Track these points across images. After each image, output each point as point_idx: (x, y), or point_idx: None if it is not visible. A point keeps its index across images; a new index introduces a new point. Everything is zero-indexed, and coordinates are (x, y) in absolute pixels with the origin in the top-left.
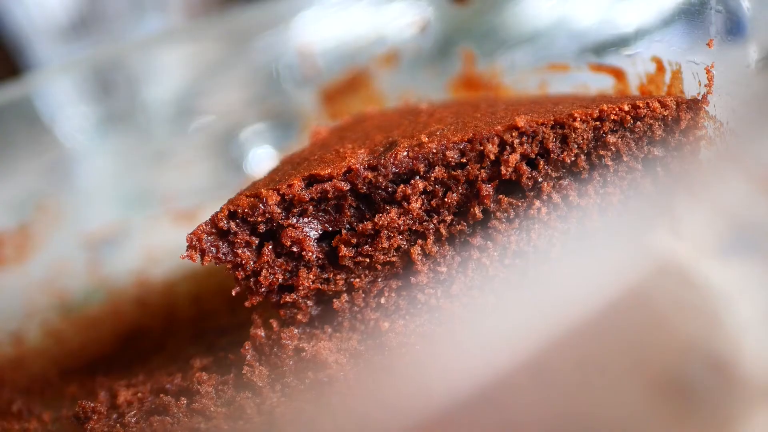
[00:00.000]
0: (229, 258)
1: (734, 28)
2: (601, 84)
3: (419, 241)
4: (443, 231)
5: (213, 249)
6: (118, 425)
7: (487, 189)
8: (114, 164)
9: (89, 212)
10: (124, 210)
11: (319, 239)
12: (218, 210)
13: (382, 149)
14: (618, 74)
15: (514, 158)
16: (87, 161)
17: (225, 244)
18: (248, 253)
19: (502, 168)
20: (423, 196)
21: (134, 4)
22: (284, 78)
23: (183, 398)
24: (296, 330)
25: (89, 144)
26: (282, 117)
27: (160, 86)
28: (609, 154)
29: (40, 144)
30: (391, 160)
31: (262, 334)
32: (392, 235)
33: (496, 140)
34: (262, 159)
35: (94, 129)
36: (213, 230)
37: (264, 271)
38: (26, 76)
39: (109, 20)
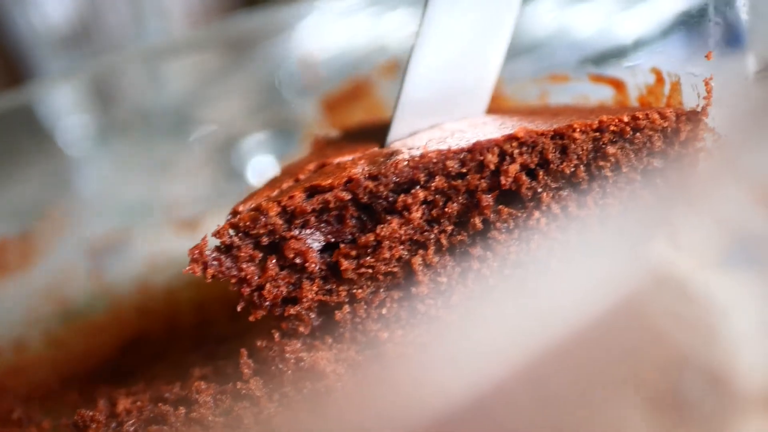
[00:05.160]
0: (233, 272)
1: (733, 40)
2: (601, 95)
3: (420, 252)
4: (444, 241)
5: (216, 263)
6: None
7: (487, 199)
8: (115, 173)
9: (91, 220)
10: (125, 219)
11: (322, 251)
12: (220, 225)
13: (382, 159)
14: (618, 85)
15: (513, 168)
16: (88, 170)
17: (228, 259)
18: (252, 268)
19: (502, 178)
20: (424, 206)
21: (135, 13)
22: (286, 87)
23: (181, 407)
24: (299, 343)
25: (90, 153)
26: (283, 126)
27: (161, 95)
28: (608, 165)
29: (41, 152)
30: (392, 170)
31: (263, 344)
32: (394, 245)
33: (496, 150)
34: (263, 168)
35: (95, 138)
36: (215, 245)
37: (268, 285)
38: (28, 85)
39: (111, 29)
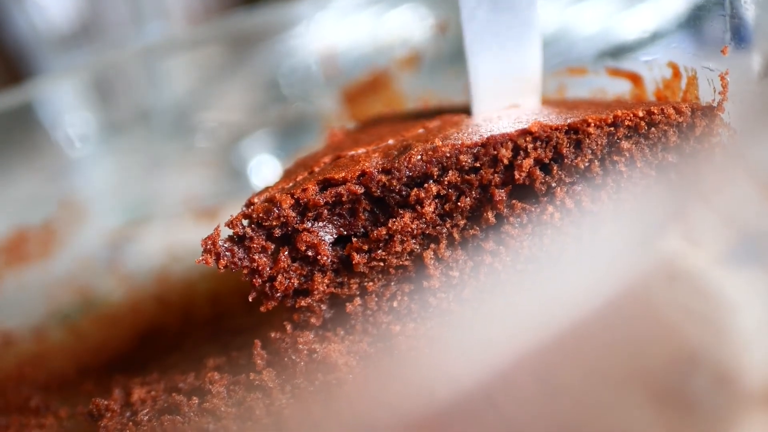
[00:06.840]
0: (245, 263)
1: (747, 35)
2: (618, 89)
3: (432, 246)
4: (456, 235)
5: (228, 254)
6: (130, 423)
7: (501, 194)
8: (122, 170)
9: (97, 217)
10: (128, 216)
11: (334, 243)
12: (234, 215)
13: (396, 153)
14: (635, 79)
15: (527, 163)
16: (89, 168)
17: (241, 249)
18: (264, 259)
19: (516, 173)
20: (436, 200)
21: (135, 11)
22: (291, 83)
23: (195, 397)
24: (311, 334)
25: (91, 151)
26: (286, 124)
27: (162, 93)
28: (623, 159)
29: (40, 150)
30: (405, 164)
31: (277, 335)
32: (405, 239)
33: (510, 145)
34: (265, 166)
35: (96, 136)
36: (228, 235)
37: (280, 276)
38: (28, 84)
39: (111, 27)
